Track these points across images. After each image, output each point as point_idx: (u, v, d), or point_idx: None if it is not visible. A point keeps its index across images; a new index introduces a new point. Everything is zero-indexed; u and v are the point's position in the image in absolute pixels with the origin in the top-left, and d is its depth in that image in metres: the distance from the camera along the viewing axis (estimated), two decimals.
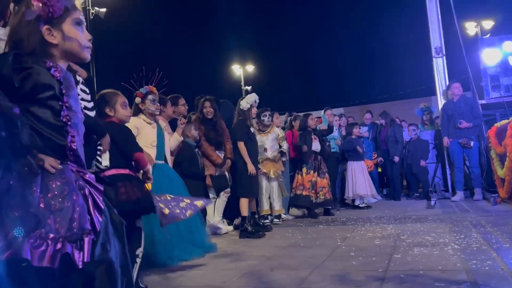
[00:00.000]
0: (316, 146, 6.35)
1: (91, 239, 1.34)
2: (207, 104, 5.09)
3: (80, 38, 1.49)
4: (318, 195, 6.20)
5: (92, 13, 13.61)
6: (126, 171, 2.96)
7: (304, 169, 6.27)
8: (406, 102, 15.39)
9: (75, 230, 1.31)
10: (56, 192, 1.32)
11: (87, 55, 1.54)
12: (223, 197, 5.20)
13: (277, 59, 30.29)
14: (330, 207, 6.44)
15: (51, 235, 1.26)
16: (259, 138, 5.71)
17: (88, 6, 13.63)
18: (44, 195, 1.30)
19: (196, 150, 4.87)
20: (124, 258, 1.49)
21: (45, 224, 1.26)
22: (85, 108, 2.57)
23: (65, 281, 1.33)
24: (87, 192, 1.41)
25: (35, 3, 1.40)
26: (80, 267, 1.30)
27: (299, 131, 6.62)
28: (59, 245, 1.26)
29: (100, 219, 1.40)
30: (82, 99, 2.56)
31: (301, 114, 8.86)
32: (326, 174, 6.36)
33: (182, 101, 5.01)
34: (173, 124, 5.00)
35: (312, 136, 6.37)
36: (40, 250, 1.23)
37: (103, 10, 13.77)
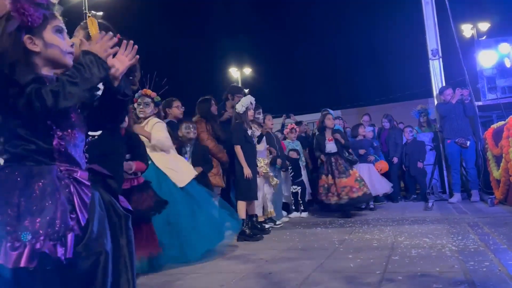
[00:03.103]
0: (331, 147, 6.29)
1: (73, 235, 1.39)
2: (213, 102, 5.26)
3: (61, 44, 1.54)
4: (340, 196, 6.07)
5: (88, 16, 13.61)
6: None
7: (320, 175, 6.34)
8: (403, 104, 15.44)
9: (57, 227, 1.36)
10: (38, 192, 1.38)
11: (69, 60, 1.58)
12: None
13: (275, 62, 30.35)
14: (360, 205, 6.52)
15: (29, 237, 1.32)
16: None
17: (85, 9, 13.65)
18: (25, 197, 1.36)
19: (187, 149, 4.81)
20: (127, 252, 1.56)
21: (22, 227, 1.32)
22: None
23: (51, 277, 1.39)
24: (72, 190, 1.46)
25: (14, 14, 1.44)
26: (63, 261, 1.36)
27: (317, 132, 6.62)
28: (38, 245, 1.32)
29: (86, 216, 1.44)
30: None
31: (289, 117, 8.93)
32: (350, 171, 6.20)
33: (175, 103, 5.06)
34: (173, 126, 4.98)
35: (327, 138, 6.33)
36: (17, 252, 1.30)
37: (100, 13, 13.79)
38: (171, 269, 3.55)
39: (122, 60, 1.62)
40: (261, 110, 5.87)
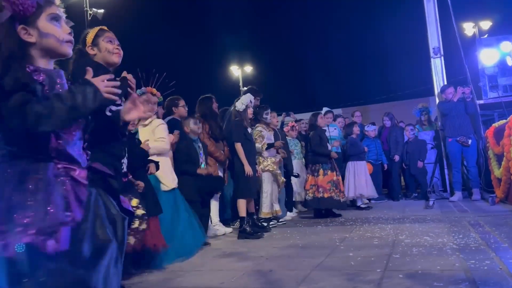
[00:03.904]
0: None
1: (68, 229, 1.37)
2: (214, 100, 5.27)
3: (57, 33, 1.48)
4: (343, 193, 6.19)
5: (90, 14, 13.60)
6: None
7: (321, 171, 6.17)
8: (404, 102, 15.40)
9: (48, 222, 1.34)
10: (30, 187, 1.35)
11: (67, 49, 1.52)
12: (214, 198, 5.19)
13: (276, 60, 30.30)
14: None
15: (18, 229, 1.30)
16: (268, 135, 5.68)
17: (86, 7, 13.62)
18: (18, 192, 1.34)
19: (199, 145, 4.80)
20: (120, 249, 1.55)
21: (10, 219, 1.31)
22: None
23: (39, 269, 1.36)
24: (68, 188, 1.43)
25: (4, 4, 1.38)
26: (53, 254, 1.34)
27: (309, 131, 6.58)
28: (26, 238, 1.31)
29: (82, 212, 1.43)
30: None
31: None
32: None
33: (182, 102, 5.07)
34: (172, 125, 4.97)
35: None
36: (2, 243, 1.28)
37: (101, 11, 13.76)
38: (171, 266, 3.54)
39: (139, 110, 1.85)
40: (269, 111, 5.84)
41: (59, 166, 1.45)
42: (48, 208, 1.35)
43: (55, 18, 1.49)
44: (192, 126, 4.69)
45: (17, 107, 1.32)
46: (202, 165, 4.66)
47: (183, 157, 4.49)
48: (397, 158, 7.71)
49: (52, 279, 1.37)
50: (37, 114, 1.33)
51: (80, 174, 1.49)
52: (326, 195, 6.07)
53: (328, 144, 6.39)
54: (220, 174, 5.19)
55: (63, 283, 1.37)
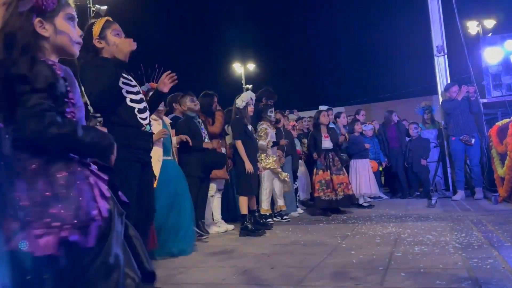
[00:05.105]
0: (327, 144, 6.26)
1: (97, 225, 1.37)
2: (216, 99, 5.29)
3: (71, 33, 1.52)
4: (337, 192, 6.06)
5: (93, 10, 13.60)
6: None
7: (315, 170, 6.22)
8: (408, 101, 15.35)
9: (82, 217, 1.34)
10: (62, 182, 1.35)
11: (76, 50, 1.56)
12: (217, 194, 5.20)
13: (278, 58, 30.28)
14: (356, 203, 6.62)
15: (56, 224, 1.29)
16: (272, 132, 5.70)
17: (89, 3, 13.62)
18: (51, 185, 1.33)
19: (199, 120, 4.75)
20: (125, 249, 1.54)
21: (48, 214, 1.29)
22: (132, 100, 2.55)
23: (75, 265, 1.36)
24: (92, 181, 1.43)
25: None
26: (84, 251, 1.34)
27: (313, 128, 6.59)
28: (64, 233, 1.29)
29: (107, 206, 1.42)
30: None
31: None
32: (344, 170, 6.30)
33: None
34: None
35: (323, 134, 6.28)
36: (44, 240, 1.26)
37: (104, 7, 13.76)
38: (171, 263, 3.54)
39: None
40: (273, 109, 5.82)
41: (75, 159, 1.45)
42: (81, 203, 1.35)
43: (71, 18, 1.53)
44: (189, 103, 4.67)
45: (38, 111, 1.32)
46: (206, 139, 4.64)
47: (185, 133, 4.48)
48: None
49: (84, 273, 1.36)
50: (53, 127, 1.33)
51: (93, 168, 1.49)
52: (315, 195, 6.17)
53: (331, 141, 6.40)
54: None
55: (96, 276, 1.36)
